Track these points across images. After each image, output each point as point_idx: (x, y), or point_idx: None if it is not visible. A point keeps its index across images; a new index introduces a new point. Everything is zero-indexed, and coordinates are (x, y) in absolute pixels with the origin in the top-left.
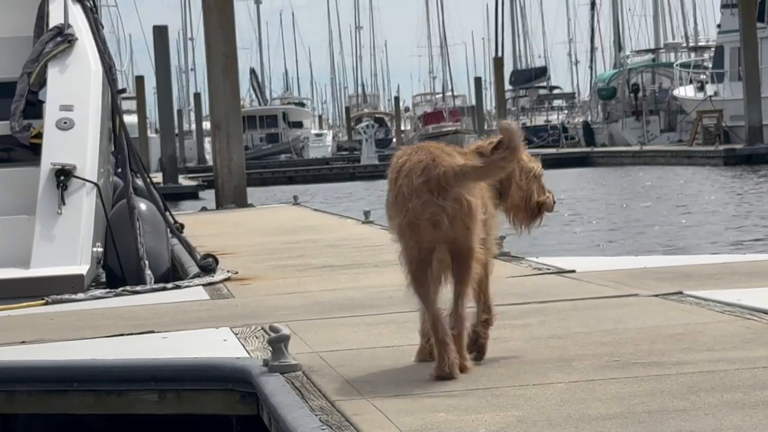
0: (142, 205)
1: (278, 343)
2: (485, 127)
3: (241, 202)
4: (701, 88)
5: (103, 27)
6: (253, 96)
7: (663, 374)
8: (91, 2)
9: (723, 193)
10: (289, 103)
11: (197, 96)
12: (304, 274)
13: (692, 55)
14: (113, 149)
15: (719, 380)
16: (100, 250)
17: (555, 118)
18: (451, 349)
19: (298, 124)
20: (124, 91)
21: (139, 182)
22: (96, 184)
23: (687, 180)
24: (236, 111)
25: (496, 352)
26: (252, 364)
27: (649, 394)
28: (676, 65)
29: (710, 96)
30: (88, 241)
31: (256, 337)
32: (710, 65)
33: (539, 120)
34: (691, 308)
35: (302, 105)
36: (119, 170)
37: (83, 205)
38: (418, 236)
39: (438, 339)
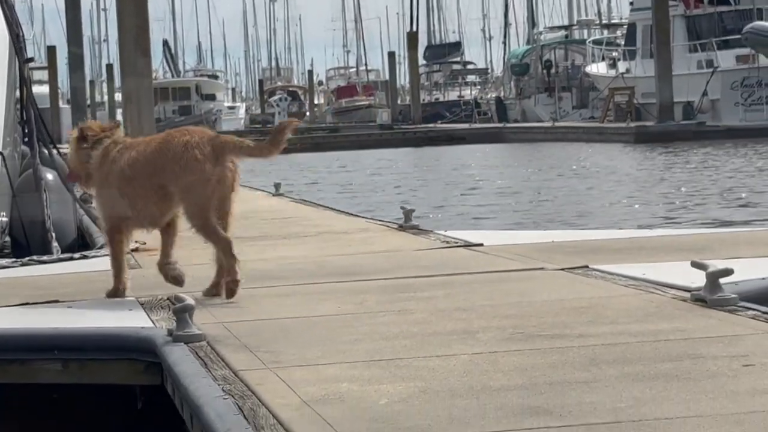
0: (49, 176)
1: (183, 312)
2: (398, 102)
3: None
4: (613, 65)
5: None
6: (166, 68)
7: (565, 346)
8: None
9: (633, 169)
10: (202, 76)
11: (109, 67)
12: (210, 246)
13: (605, 32)
14: (20, 119)
15: (621, 353)
16: (5, 219)
17: (468, 93)
18: None
19: (211, 97)
20: (32, 60)
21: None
22: (0, 154)
23: (598, 156)
24: (148, 83)
25: (400, 324)
26: (156, 333)
27: (551, 366)
28: (589, 42)
29: (622, 73)
30: None
31: (162, 308)
32: (623, 42)
33: (452, 95)
34: (596, 282)
35: (215, 77)
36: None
37: None
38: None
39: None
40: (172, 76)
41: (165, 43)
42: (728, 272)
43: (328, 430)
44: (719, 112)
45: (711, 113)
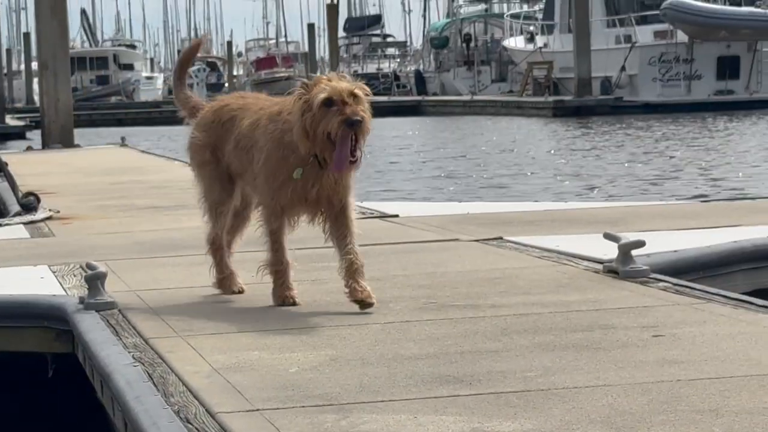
0: None
1: (94, 280)
2: (317, 73)
3: (68, 142)
4: (531, 39)
5: None
6: (84, 37)
7: (478, 316)
8: None
9: (550, 143)
10: (120, 45)
11: (26, 35)
12: (126, 215)
13: (524, 6)
14: None
15: (532, 323)
16: None
17: (387, 66)
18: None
19: (129, 67)
20: None
21: None
22: None
23: (516, 130)
24: (64, 50)
25: (313, 293)
26: (68, 301)
27: (463, 336)
28: (507, 16)
29: (540, 47)
30: None
31: (74, 275)
32: (541, 17)
33: (371, 68)
34: (510, 253)
35: (133, 47)
36: None
37: None
38: None
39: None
40: (90, 45)
41: (83, 12)
42: (640, 244)
43: (238, 397)
44: (637, 88)
45: (629, 88)
